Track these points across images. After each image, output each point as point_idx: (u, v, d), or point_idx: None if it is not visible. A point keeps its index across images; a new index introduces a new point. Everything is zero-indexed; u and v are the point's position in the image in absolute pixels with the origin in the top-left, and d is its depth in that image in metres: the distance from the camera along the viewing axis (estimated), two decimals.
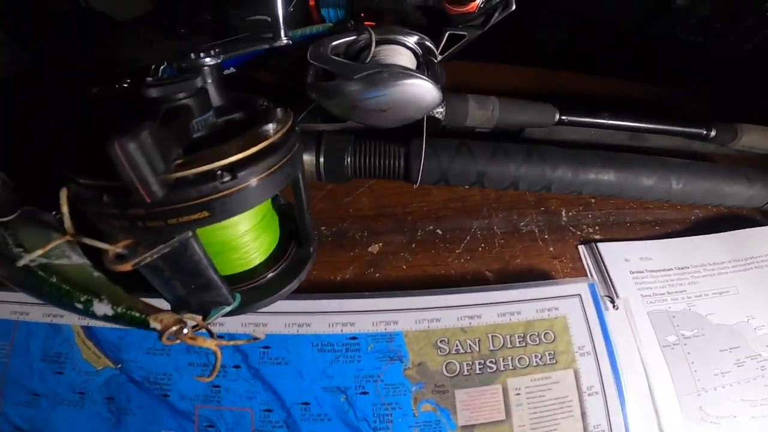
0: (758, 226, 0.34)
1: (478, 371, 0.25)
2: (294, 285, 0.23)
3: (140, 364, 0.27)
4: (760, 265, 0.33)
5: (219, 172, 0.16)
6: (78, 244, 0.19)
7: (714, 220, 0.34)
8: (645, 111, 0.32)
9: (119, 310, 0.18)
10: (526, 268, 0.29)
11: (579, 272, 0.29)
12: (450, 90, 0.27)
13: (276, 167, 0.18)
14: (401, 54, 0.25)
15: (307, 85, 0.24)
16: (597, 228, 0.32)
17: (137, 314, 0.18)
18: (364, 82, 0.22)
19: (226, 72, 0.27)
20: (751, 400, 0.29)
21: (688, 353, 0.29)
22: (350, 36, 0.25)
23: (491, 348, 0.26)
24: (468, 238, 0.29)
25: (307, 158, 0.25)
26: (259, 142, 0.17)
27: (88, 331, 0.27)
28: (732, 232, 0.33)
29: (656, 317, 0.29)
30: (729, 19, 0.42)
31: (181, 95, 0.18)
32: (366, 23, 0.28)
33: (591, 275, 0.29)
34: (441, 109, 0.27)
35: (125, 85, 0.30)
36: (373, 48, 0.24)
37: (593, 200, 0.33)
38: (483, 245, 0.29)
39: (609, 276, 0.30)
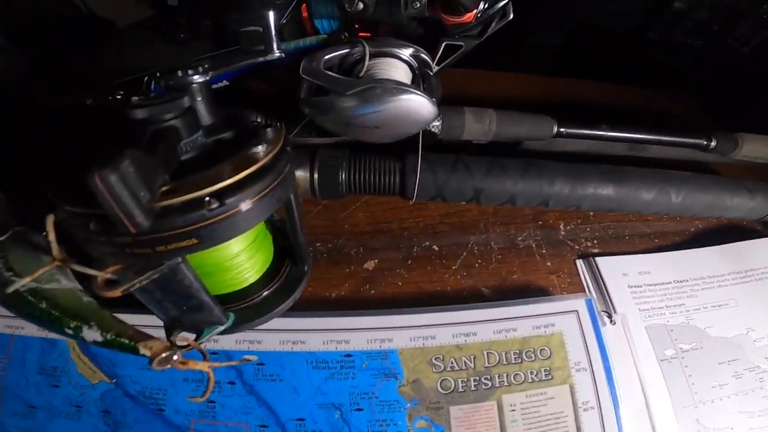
0: (759, 237, 0.33)
1: (473, 388, 0.25)
2: (288, 304, 0.23)
3: (135, 379, 0.27)
4: (761, 277, 0.33)
5: (207, 199, 0.16)
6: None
7: (714, 232, 0.34)
8: (644, 120, 0.31)
9: (108, 336, 0.18)
10: (523, 283, 0.29)
11: (577, 287, 0.29)
12: (446, 98, 0.27)
13: (266, 191, 0.17)
14: (396, 67, 0.24)
15: (300, 101, 0.24)
16: (595, 242, 0.31)
17: (126, 341, 0.18)
18: (357, 99, 0.22)
19: (219, 85, 0.26)
20: (748, 411, 0.29)
21: (686, 366, 0.29)
22: (344, 49, 0.24)
23: (486, 365, 0.25)
24: (465, 253, 0.29)
25: (302, 174, 0.25)
26: (249, 166, 0.17)
27: (84, 345, 0.27)
28: (732, 244, 0.33)
29: (654, 331, 0.29)
30: (727, 22, 0.41)
31: (168, 116, 0.17)
32: (361, 34, 0.27)
33: (589, 290, 0.29)
34: (437, 123, 0.27)
35: (118, 97, 0.29)
36: (366, 61, 0.24)
37: (592, 213, 0.33)
38: (480, 261, 0.29)
39: (607, 291, 0.29)
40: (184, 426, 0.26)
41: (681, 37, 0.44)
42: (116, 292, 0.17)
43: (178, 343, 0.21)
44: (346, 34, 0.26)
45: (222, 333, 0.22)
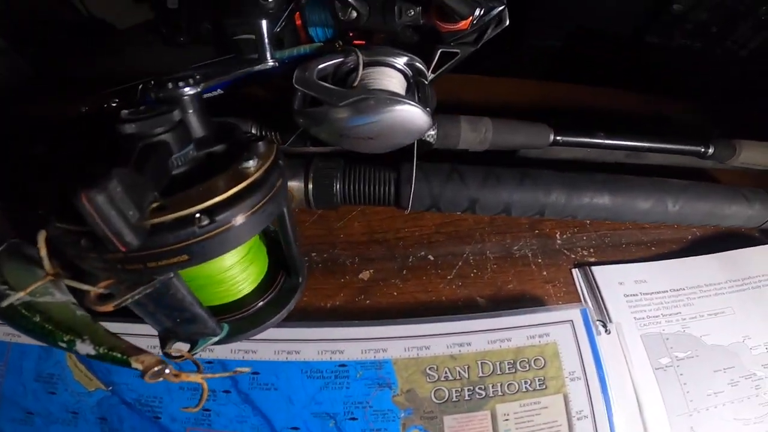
0: (756, 244, 0.33)
1: (466, 397, 0.25)
2: (283, 314, 0.23)
3: (131, 387, 0.27)
4: (758, 285, 0.32)
5: (197, 216, 0.16)
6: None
7: (712, 239, 0.34)
8: (643, 125, 0.31)
9: (101, 350, 0.18)
10: (519, 293, 0.29)
11: (572, 296, 0.29)
12: (442, 104, 0.26)
13: (258, 207, 0.17)
14: (390, 76, 0.24)
15: (293, 111, 0.23)
16: (592, 250, 0.31)
17: (119, 355, 0.18)
18: (351, 110, 0.22)
19: (213, 93, 0.26)
20: (744, 419, 0.29)
21: (681, 374, 0.29)
22: (337, 58, 0.24)
23: (480, 375, 0.25)
24: (460, 263, 0.29)
25: (296, 185, 0.25)
26: (239, 182, 0.17)
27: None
28: (729, 252, 0.33)
29: (649, 340, 0.29)
30: (726, 24, 0.41)
31: (158, 130, 0.17)
32: (355, 42, 0.27)
33: (584, 299, 0.29)
34: (432, 132, 0.26)
35: (113, 105, 0.29)
36: (360, 70, 0.24)
37: (588, 222, 0.32)
38: (475, 271, 0.29)
39: (603, 300, 0.29)
40: None
41: (680, 40, 0.44)
42: (108, 307, 0.17)
43: (173, 353, 0.22)
44: (341, 43, 0.26)
45: (216, 343, 0.23)
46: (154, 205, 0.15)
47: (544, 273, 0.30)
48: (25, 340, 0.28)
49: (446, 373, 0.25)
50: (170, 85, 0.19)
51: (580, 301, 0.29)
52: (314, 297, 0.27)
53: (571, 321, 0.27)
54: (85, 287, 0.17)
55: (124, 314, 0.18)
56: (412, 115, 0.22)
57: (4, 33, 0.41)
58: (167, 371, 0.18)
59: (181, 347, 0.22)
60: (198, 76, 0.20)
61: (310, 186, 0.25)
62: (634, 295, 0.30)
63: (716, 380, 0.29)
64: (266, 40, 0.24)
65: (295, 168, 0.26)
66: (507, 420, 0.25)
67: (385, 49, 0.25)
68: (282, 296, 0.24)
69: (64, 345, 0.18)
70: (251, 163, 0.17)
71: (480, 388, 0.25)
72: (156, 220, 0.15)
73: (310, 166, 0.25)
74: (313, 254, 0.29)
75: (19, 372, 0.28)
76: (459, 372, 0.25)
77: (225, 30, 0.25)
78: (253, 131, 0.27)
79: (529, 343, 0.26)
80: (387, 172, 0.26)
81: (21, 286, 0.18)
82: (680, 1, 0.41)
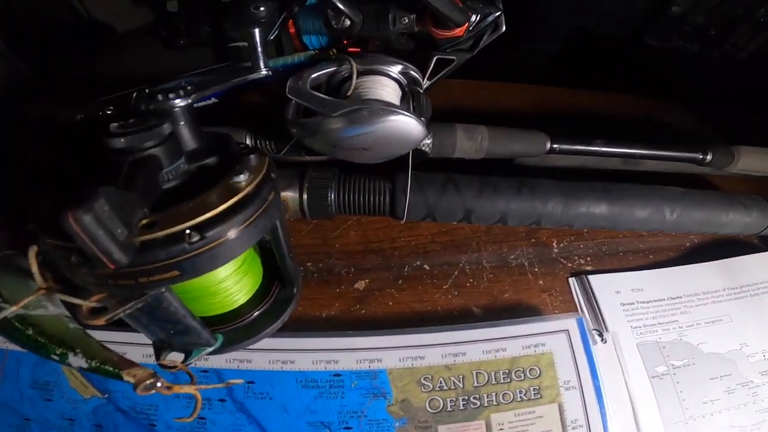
0: (755, 251, 0.33)
1: (461, 407, 0.25)
2: (277, 325, 0.23)
3: (127, 394, 0.27)
4: (756, 292, 0.32)
5: (188, 232, 0.16)
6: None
7: (710, 247, 0.34)
8: (641, 130, 0.31)
9: (93, 363, 0.18)
10: (515, 302, 0.28)
11: (569, 305, 0.29)
12: (438, 110, 0.26)
13: (249, 221, 0.17)
14: (384, 85, 0.24)
15: (287, 121, 0.23)
16: (589, 259, 0.31)
17: (110, 368, 0.18)
18: (344, 120, 0.21)
19: (207, 102, 0.26)
20: (740, 426, 0.29)
21: (677, 383, 0.29)
22: (331, 67, 0.24)
23: (475, 384, 0.25)
24: (456, 273, 0.29)
25: (291, 195, 0.25)
26: (231, 197, 0.17)
27: None
28: (727, 259, 0.33)
29: (645, 348, 0.29)
30: (724, 26, 0.40)
31: (148, 144, 0.17)
32: (350, 49, 0.27)
33: (581, 308, 0.29)
34: (428, 141, 0.26)
35: (108, 113, 0.29)
36: (354, 80, 0.23)
37: (585, 230, 0.32)
38: (471, 280, 0.29)
39: (599, 309, 0.29)
40: None
41: (678, 42, 0.43)
42: (100, 321, 0.17)
43: (168, 363, 0.22)
44: (335, 51, 0.25)
45: (211, 354, 0.23)
46: (144, 221, 0.15)
47: (541, 282, 0.29)
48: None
49: (441, 382, 0.25)
50: (160, 97, 0.19)
51: (577, 310, 0.29)
52: (309, 307, 0.27)
53: (567, 331, 0.27)
54: (77, 301, 0.17)
55: (122, 323, 0.18)
56: (407, 125, 0.22)
57: (3, 34, 0.41)
58: (159, 384, 0.18)
59: (175, 357, 0.22)
60: (189, 87, 0.20)
61: (305, 196, 0.25)
62: (630, 303, 0.30)
63: (713, 388, 0.29)
64: (259, 49, 0.23)
65: (290, 178, 0.25)
66: (502, 429, 0.25)
67: (379, 57, 0.25)
68: (277, 307, 0.24)
69: (56, 358, 0.18)
70: (242, 178, 0.17)
71: (475, 398, 0.25)
72: (145, 237, 0.15)
73: (305, 176, 0.25)
74: (309, 264, 0.29)
75: (16, 379, 0.28)
76: (454, 382, 0.25)
77: (226, 31, 0.25)
78: (248, 141, 0.27)
79: (525, 353, 0.26)
80: (382, 182, 0.26)
81: (14, 299, 0.18)
82: (679, 4, 0.41)
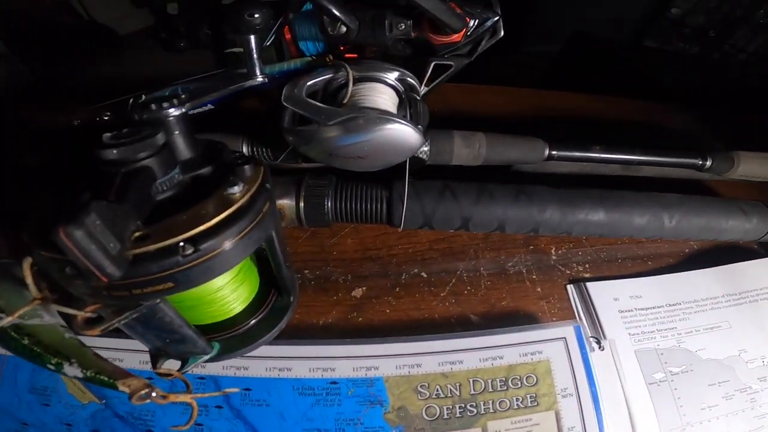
0: (754, 257, 0.33)
1: (458, 414, 0.25)
2: (274, 333, 0.23)
3: (124, 400, 0.27)
4: (755, 298, 0.32)
5: (181, 245, 0.16)
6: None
7: (709, 253, 0.33)
8: (640, 134, 0.31)
9: (88, 373, 0.18)
10: (513, 310, 0.28)
11: (567, 312, 0.29)
12: (436, 114, 0.26)
13: (244, 233, 0.17)
14: (381, 93, 0.24)
15: (283, 129, 0.23)
16: (587, 266, 0.31)
17: (106, 378, 0.18)
18: (340, 129, 0.21)
19: (203, 109, 0.26)
20: (738, 431, 0.29)
21: (675, 389, 0.29)
22: (327, 74, 0.24)
23: (472, 392, 0.25)
24: (453, 280, 0.29)
25: (287, 203, 0.25)
26: (225, 209, 0.17)
27: None
28: (726, 266, 0.32)
29: (643, 355, 0.29)
30: (724, 28, 0.40)
31: (141, 155, 0.17)
32: (347, 55, 0.26)
33: (579, 316, 0.29)
34: (425, 149, 0.26)
35: (105, 118, 0.29)
36: (350, 87, 0.23)
37: (584, 237, 0.32)
38: (469, 288, 0.29)
39: (597, 316, 0.29)
40: None
41: (678, 44, 0.43)
42: (95, 332, 0.17)
43: (164, 371, 0.22)
44: (331, 57, 0.25)
45: (207, 361, 0.23)
46: (137, 234, 0.15)
47: (539, 289, 0.29)
48: None
49: (438, 390, 0.25)
50: (154, 107, 0.19)
51: (575, 317, 0.29)
52: (306, 314, 0.27)
53: (565, 338, 0.27)
54: (72, 312, 0.17)
55: (117, 331, 0.18)
56: (403, 133, 0.22)
57: (5, 37, 0.41)
58: (154, 394, 0.18)
59: (172, 365, 0.22)
60: (184, 96, 0.20)
61: (302, 205, 0.25)
62: (629, 310, 0.30)
63: (710, 394, 0.29)
64: (255, 56, 0.23)
65: (287, 185, 0.25)
66: None
67: (375, 64, 0.24)
68: (274, 315, 0.24)
69: (52, 367, 0.19)
70: (237, 189, 0.17)
71: (471, 406, 0.25)
72: (139, 251, 0.15)
73: (302, 183, 0.25)
74: (306, 271, 0.29)
75: (14, 383, 0.28)
76: (450, 389, 0.25)
77: (229, 31, 0.24)
78: (244, 148, 0.27)
79: (522, 361, 0.26)
80: (379, 190, 0.26)
81: (10, 308, 0.18)
82: (678, 5, 0.41)
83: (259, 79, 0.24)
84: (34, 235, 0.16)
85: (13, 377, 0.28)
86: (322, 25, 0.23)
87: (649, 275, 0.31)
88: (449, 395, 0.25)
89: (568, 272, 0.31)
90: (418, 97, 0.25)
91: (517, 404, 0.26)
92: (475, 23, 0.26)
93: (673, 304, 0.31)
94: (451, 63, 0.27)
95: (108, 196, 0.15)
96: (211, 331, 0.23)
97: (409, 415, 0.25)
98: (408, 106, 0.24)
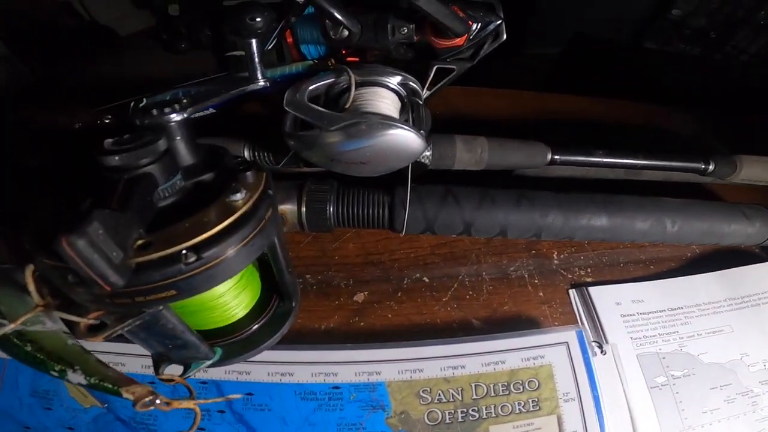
0: (757, 261, 0.33)
1: (460, 419, 0.25)
2: (276, 339, 0.23)
3: (126, 404, 0.27)
4: (757, 302, 0.32)
5: (184, 253, 0.16)
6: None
7: (711, 257, 0.33)
8: (643, 138, 0.31)
9: (92, 380, 0.18)
10: (515, 314, 0.28)
11: (569, 317, 0.29)
12: (438, 117, 0.26)
13: (246, 240, 0.17)
14: (383, 97, 0.24)
15: (284, 134, 0.23)
16: (589, 270, 0.31)
17: (110, 385, 0.18)
18: (342, 134, 0.21)
19: (205, 113, 0.26)
20: None
21: (677, 393, 0.29)
22: (329, 78, 0.24)
23: (474, 397, 0.25)
24: (455, 285, 0.29)
25: (289, 208, 0.25)
26: (227, 217, 0.17)
27: None
28: (728, 270, 0.32)
29: (645, 359, 0.29)
30: (725, 29, 0.40)
31: (143, 162, 0.17)
32: (349, 59, 0.26)
33: (581, 320, 0.29)
34: (428, 153, 0.26)
35: (107, 122, 0.29)
36: (353, 91, 0.23)
37: (586, 241, 0.32)
38: (471, 292, 0.29)
39: (599, 320, 0.29)
40: None
41: (679, 45, 0.43)
42: (98, 338, 0.17)
43: (166, 377, 0.22)
44: (333, 61, 0.25)
45: (210, 366, 0.23)
46: (140, 242, 0.15)
47: (541, 294, 0.29)
48: None
49: (440, 395, 0.25)
50: (155, 112, 0.18)
51: (577, 321, 0.29)
52: (308, 319, 0.27)
53: (567, 343, 0.27)
54: (75, 319, 0.17)
55: (120, 336, 0.18)
56: (406, 139, 0.22)
57: (5, 37, 0.41)
58: (158, 401, 0.18)
59: (175, 370, 0.22)
60: (185, 101, 0.20)
61: (304, 210, 0.25)
62: (631, 315, 0.30)
63: (712, 397, 0.29)
64: (256, 59, 0.23)
65: (288, 190, 0.25)
66: None
67: (378, 68, 0.24)
68: (276, 320, 0.24)
69: (56, 374, 0.18)
70: (239, 196, 0.17)
71: (473, 410, 0.25)
72: (141, 259, 0.15)
73: (304, 188, 0.25)
74: (308, 276, 0.29)
75: (16, 387, 0.28)
76: (452, 394, 0.25)
77: (230, 33, 0.24)
78: (246, 152, 0.27)
79: (524, 366, 0.26)
80: (381, 195, 0.26)
81: (12, 315, 0.18)
82: (679, 7, 0.41)
83: (261, 83, 0.23)
84: (36, 242, 0.16)
85: (15, 380, 0.28)
86: (324, 28, 0.23)
87: (651, 279, 0.31)
88: (451, 400, 0.25)
89: (570, 277, 0.30)
90: (421, 102, 0.25)
91: (519, 409, 0.26)
92: (478, 27, 0.26)
93: (675, 308, 0.31)
94: (454, 67, 0.27)
95: (110, 204, 0.15)
96: (213, 336, 0.23)
97: (411, 420, 0.25)
98: (410, 110, 0.24)
